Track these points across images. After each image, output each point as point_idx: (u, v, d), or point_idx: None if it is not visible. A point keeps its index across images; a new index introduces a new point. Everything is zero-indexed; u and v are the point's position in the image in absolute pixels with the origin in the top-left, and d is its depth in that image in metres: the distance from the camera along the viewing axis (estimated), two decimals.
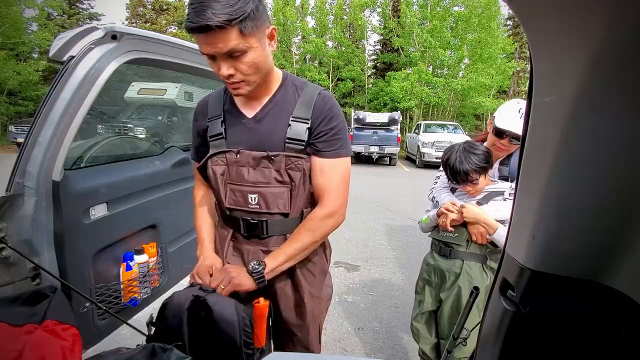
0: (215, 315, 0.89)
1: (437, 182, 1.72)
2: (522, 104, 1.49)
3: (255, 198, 1.05)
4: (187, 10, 0.87)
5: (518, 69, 22.03)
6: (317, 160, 1.05)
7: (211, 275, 1.05)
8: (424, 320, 1.64)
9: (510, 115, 1.47)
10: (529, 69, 0.49)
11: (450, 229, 1.48)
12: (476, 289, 0.93)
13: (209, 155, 1.08)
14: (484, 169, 1.45)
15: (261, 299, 1.00)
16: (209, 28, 0.82)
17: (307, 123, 1.03)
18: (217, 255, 1.15)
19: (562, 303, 0.52)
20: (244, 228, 1.09)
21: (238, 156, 1.05)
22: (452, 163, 1.46)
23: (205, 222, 1.22)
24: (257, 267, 1.00)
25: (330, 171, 1.05)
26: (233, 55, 0.89)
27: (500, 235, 1.41)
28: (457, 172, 1.44)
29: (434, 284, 1.59)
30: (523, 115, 1.48)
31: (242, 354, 0.89)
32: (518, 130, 1.45)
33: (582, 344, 0.53)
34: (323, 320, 1.26)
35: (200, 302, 0.92)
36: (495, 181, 1.57)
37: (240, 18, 0.84)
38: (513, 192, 1.45)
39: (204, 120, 1.12)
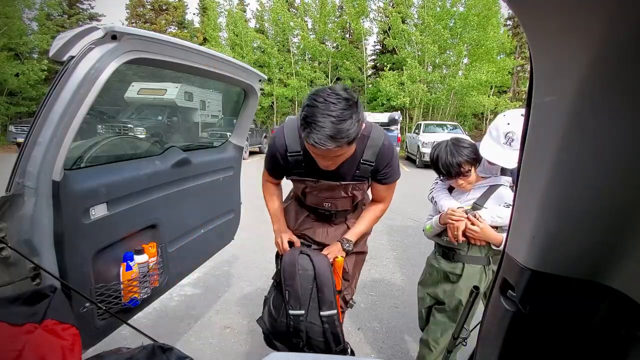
0: (315, 265, 1.42)
1: (437, 183, 1.72)
2: (512, 123, 1.38)
3: (328, 204, 1.52)
4: (304, 117, 1.11)
5: (518, 67, 22.00)
6: (379, 186, 1.50)
7: (291, 244, 1.55)
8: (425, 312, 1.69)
9: (496, 138, 1.42)
10: (528, 68, 0.49)
11: (462, 239, 1.46)
12: (476, 288, 0.93)
13: (292, 177, 1.50)
14: (474, 160, 1.48)
15: (338, 257, 1.49)
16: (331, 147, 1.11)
17: (372, 165, 1.39)
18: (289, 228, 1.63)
19: (562, 303, 0.52)
20: (320, 214, 1.60)
21: (316, 184, 1.43)
22: (444, 157, 1.48)
23: (278, 206, 1.64)
24: (348, 247, 1.54)
25: (388, 190, 1.53)
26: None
27: None
28: (451, 164, 1.46)
29: (436, 281, 1.62)
30: (510, 140, 1.43)
31: (334, 294, 1.43)
32: (500, 160, 1.39)
33: (582, 344, 0.53)
34: (360, 269, 1.77)
35: (306, 255, 1.45)
36: (486, 177, 1.58)
37: (352, 139, 1.13)
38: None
39: (284, 154, 1.41)
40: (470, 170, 1.48)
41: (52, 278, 1.07)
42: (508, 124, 1.39)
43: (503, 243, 0.62)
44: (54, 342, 0.92)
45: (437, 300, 1.61)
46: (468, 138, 1.61)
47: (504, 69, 17.13)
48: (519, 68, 22.47)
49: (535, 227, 0.50)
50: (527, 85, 0.48)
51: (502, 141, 1.38)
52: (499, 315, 0.59)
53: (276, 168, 1.50)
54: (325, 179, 1.39)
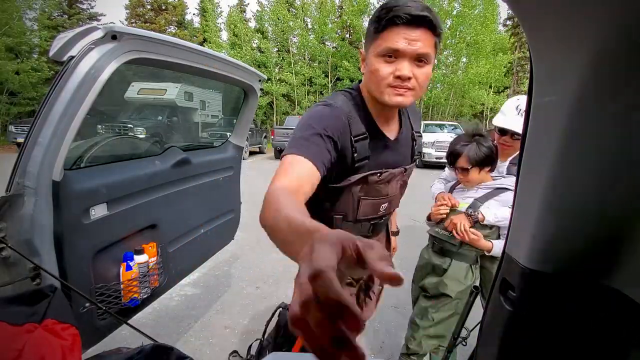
0: None
1: (441, 176, 1.78)
2: (521, 100, 1.52)
3: (385, 206, 1.17)
4: (387, 6, 0.88)
5: (518, 67, 22.00)
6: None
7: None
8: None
9: (507, 113, 1.52)
10: (528, 67, 0.49)
11: (442, 216, 1.52)
12: (476, 288, 0.93)
13: (353, 181, 1.04)
14: (477, 162, 1.44)
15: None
16: (422, 22, 0.85)
17: (422, 137, 1.20)
18: None
19: (562, 303, 0.52)
20: (371, 229, 1.20)
21: (379, 177, 1.07)
22: (455, 143, 1.51)
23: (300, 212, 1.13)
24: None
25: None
26: (417, 62, 0.91)
27: (499, 248, 1.44)
28: (452, 152, 1.50)
29: (425, 274, 1.67)
30: (522, 112, 1.51)
31: None
32: (513, 127, 1.48)
33: (582, 344, 0.53)
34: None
35: None
36: (497, 177, 1.57)
37: (440, 32, 0.91)
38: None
39: (347, 137, 0.98)
40: (468, 168, 1.47)
41: (52, 278, 1.07)
42: (518, 99, 1.54)
43: (503, 243, 0.61)
44: (54, 341, 0.92)
45: (424, 290, 1.64)
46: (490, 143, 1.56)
47: (500, 66, 17.20)
48: (518, 68, 22.48)
49: (535, 227, 0.50)
50: (527, 86, 0.48)
51: (514, 113, 1.50)
52: (499, 315, 0.59)
53: (329, 159, 0.92)
54: (390, 167, 1.09)
